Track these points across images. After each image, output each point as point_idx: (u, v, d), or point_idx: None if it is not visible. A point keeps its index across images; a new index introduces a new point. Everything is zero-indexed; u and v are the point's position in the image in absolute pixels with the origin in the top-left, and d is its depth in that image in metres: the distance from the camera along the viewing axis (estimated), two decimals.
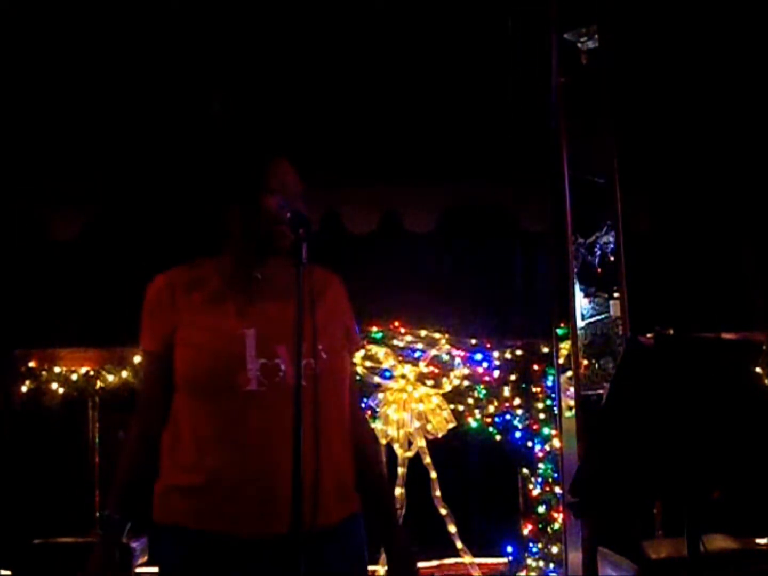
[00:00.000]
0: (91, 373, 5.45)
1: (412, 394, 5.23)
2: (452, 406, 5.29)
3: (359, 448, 2.14)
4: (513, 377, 5.44)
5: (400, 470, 5.16)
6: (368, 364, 5.29)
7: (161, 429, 2.07)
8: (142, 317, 2.13)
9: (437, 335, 5.44)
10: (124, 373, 5.40)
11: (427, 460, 5.20)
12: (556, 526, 5.23)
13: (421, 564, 5.34)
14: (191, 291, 2.08)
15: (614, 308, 4.65)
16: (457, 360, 5.38)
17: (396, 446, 5.16)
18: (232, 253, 2.12)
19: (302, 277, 1.87)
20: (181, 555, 1.99)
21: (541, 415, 5.38)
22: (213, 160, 2.31)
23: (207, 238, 2.18)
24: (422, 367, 5.32)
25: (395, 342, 5.39)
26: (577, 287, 4.76)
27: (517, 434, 5.42)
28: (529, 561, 5.30)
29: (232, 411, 1.96)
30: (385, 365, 5.29)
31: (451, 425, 5.22)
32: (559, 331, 5.15)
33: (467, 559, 5.20)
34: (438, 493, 5.20)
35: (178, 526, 1.99)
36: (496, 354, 5.47)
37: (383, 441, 5.18)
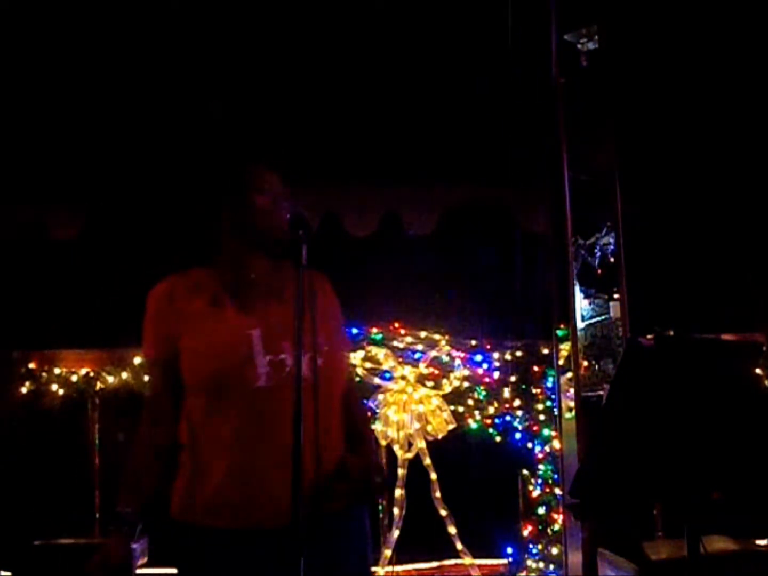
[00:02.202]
0: (91, 374, 5.44)
1: (412, 396, 5.22)
2: (452, 408, 5.29)
3: (350, 426, 2.21)
4: (513, 378, 5.44)
5: (400, 471, 5.16)
6: (368, 365, 5.29)
7: (170, 432, 2.13)
8: (143, 326, 2.19)
9: (437, 336, 5.43)
10: (124, 375, 5.39)
11: (427, 461, 5.20)
12: (556, 527, 5.23)
13: (421, 565, 5.39)
14: (191, 297, 2.14)
15: (614, 309, 4.65)
16: (457, 361, 5.38)
17: (396, 447, 5.16)
18: (225, 255, 2.18)
19: (302, 278, 1.94)
20: (202, 552, 2.04)
21: (541, 417, 5.38)
22: (202, 161, 2.37)
23: (202, 239, 2.21)
24: (422, 368, 5.32)
25: (395, 343, 5.39)
26: (577, 288, 4.76)
27: (517, 435, 5.42)
28: (529, 562, 5.30)
29: (246, 407, 2.03)
30: (385, 366, 5.29)
31: (451, 426, 5.22)
32: (559, 333, 5.15)
33: (467, 560, 5.20)
34: (438, 494, 5.19)
35: (197, 524, 2.05)
36: (496, 355, 5.46)
37: (383, 442, 5.18)
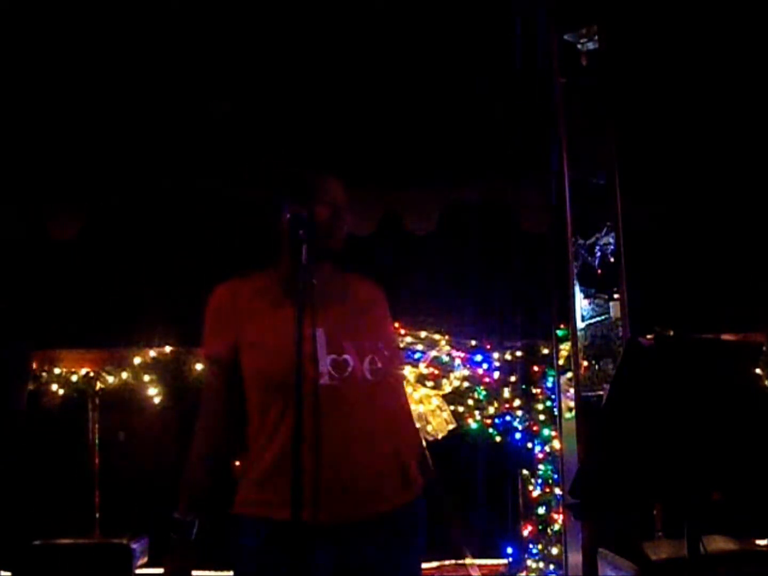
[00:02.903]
0: (91, 374, 5.44)
1: (412, 396, 5.22)
2: (452, 408, 5.28)
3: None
4: (513, 378, 5.43)
5: None
6: None
7: (226, 431, 2.19)
8: (204, 326, 2.24)
9: (437, 336, 5.43)
10: (124, 375, 5.40)
11: None
12: (556, 527, 5.22)
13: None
14: (253, 300, 2.20)
15: (614, 309, 4.65)
16: (457, 361, 5.38)
17: None
18: (284, 262, 2.22)
19: (302, 279, 1.99)
20: (259, 544, 2.08)
21: (541, 417, 5.37)
22: (268, 170, 2.42)
23: (263, 243, 2.25)
24: (422, 368, 5.32)
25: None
26: (577, 288, 4.76)
27: (517, 435, 5.41)
28: (529, 562, 5.30)
29: (308, 404, 2.04)
30: None
31: (451, 426, 5.22)
32: (559, 333, 5.15)
33: (467, 560, 5.19)
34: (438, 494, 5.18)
35: (258, 517, 2.09)
36: (496, 355, 5.46)
37: None
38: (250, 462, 2.15)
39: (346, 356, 2.11)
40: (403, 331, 5.43)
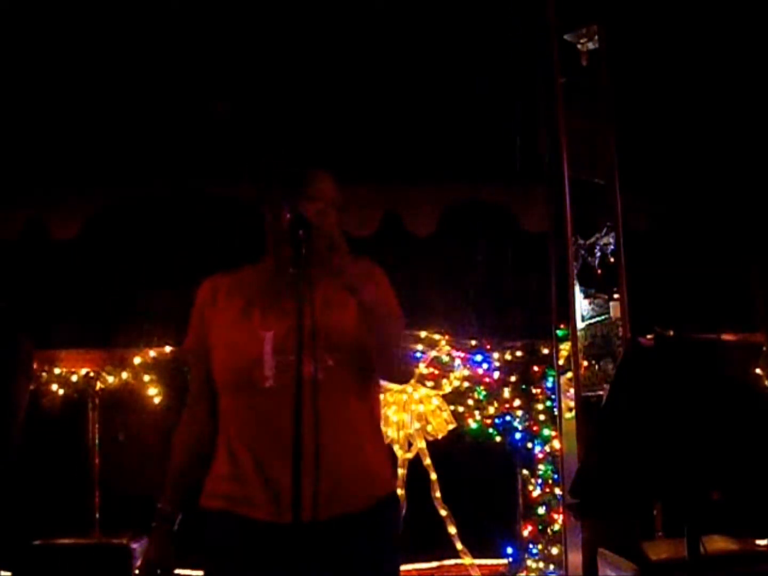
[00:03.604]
0: (91, 374, 5.44)
1: (412, 396, 5.22)
2: (452, 408, 5.29)
3: None
4: (513, 378, 5.43)
5: (400, 471, 5.16)
6: None
7: (209, 425, 2.20)
8: (190, 319, 2.28)
9: (437, 336, 5.43)
10: (124, 375, 5.39)
11: (427, 461, 5.20)
12: (556, 527, 5.23)
13: (421, 565, 5.38)
14: (233, 295, 2.20)
15: (614, 309, 4.65)
16: (457, 361, 5.38)
17: (396, 448, 5.16)
18: (269, 257, 2.21)
19: (302, 279, 1.93)
20: (219, 535, 2.09)
21: (541, 417, 5.37)
22: (254, 166, 2.40)
23: (251, 237, 2.23)
24: (422, 368, 5.32)
25: None
26: (577, 288, 4.76)
27: (517, 435, 5.41)
28: (529, 562, 5.30)
29: (253, 407, 2.08)
30: None
31: (451, 426, 5.22)
32: (559, 333, 5.15)
33: (467, 560, 5.20)
34: (438, 494, 5.19)
35: (219, 510, 2.09)
36: (496, 355, 5.46)
37: None
38: (215, 460, 2.17)
39: (291, 357, 1.99)
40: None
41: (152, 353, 5.43)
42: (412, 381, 5.26)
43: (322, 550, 2.00)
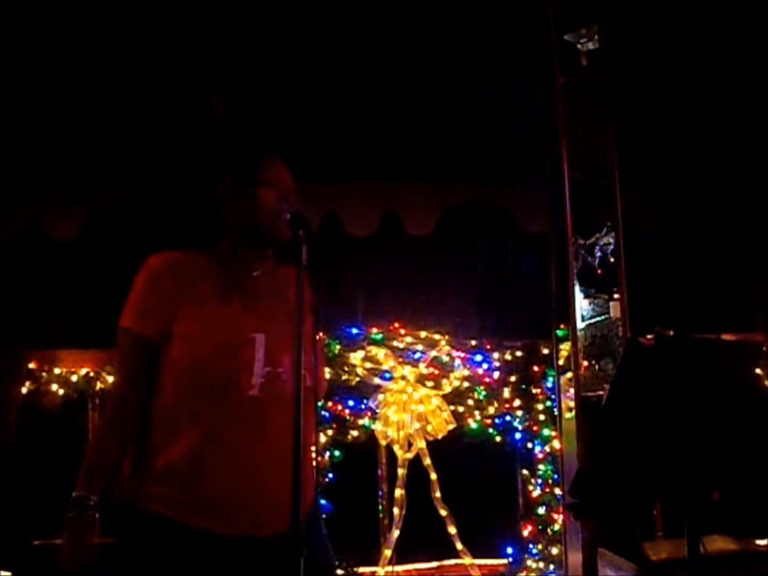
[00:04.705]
0: (91, 374, 5.43)
1: (412, 396, 5.22)
2: (452, 408, 5.28)
3: None
4: (513, 378, 5.44)
5: (400, 471, 5.16)
6: (368, 365, 5.28)
7: (137, 420, 2.02)
8: (133, 293, 2.08)
9: (437, 336, 5.43)
10: None
11: (427, 461, 5.20)
12: (556, 527, 5.22)
13: (421, 565, 5.38)
14: (197, 282, 2.04)
15: (614, 309, 4.65)
16: (457, 361, 5.38)
17: (396, 447, 5.16)
18: (225, 245, 2.11)
19: (302, 281, 1.89)
20: (162, 544, 1.99)
21: (541, 417, 5.37)
22: (212, 151, 2.33)
23: (202, 224, 2.17)
24: (422, 368, 5.32)
25: (395, 343, 5.39)
26: (577, 288, 4.76)
27: (517, 435, 5.41)
28: (529, 562, 5.30)
29: (232, 413, 1.96)
30: (385, 366, 5.28)
31: (451, 426, 5.22)
32: (559, 333, 5.15)
33: (467, 560, 5.20)
34: (438, 494, 5.19)
35: (160, 515, 1.98)
36: (496, 355, 5.46)
37: (383, 442, 5.18)
38: (146, 456, 2.01)
39: (281, 370, 1.99)
40: (403, 331, 5.43)
41: None
42: (413, 381, 5.26)
43: (273, 567, 1.92)
